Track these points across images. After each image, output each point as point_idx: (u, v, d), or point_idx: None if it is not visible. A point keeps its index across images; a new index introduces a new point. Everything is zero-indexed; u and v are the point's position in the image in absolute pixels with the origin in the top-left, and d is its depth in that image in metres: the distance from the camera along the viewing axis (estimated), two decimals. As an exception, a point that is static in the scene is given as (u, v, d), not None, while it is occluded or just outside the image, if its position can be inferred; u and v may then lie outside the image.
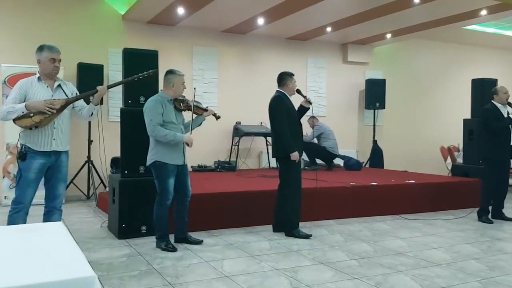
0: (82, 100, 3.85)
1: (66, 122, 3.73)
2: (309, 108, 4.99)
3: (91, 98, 3.81)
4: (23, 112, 3.48)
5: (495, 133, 5.63)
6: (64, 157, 3.74)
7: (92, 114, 3.85)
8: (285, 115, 4.79)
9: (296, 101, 5.03)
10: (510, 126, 5.64)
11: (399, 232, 5.11)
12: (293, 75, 4.99)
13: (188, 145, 4.22)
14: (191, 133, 4.28)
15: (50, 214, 3.69)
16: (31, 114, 3.50)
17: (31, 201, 3.61)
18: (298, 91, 4.99)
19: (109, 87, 3.96)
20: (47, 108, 3.51)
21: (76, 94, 3.83)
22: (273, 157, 5.10)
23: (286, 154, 4.74)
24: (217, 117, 4.63)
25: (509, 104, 5.70)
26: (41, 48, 3.68)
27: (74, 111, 3.82)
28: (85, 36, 7.41)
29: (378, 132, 9.75)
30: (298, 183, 4.85)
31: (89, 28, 7.45)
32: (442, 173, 9.10)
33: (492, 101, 5.76)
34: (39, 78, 3.66)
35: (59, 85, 3.73)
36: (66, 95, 3.72)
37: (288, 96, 4.93)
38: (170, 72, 4.34)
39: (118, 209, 4.69)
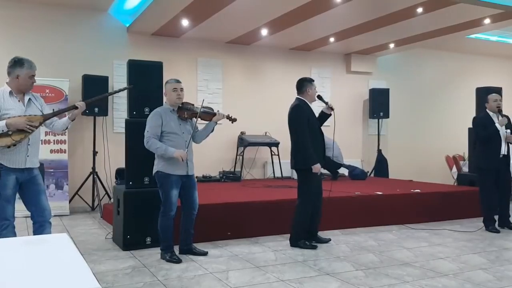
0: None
1: (38, 138, 3.69)
2: (330, 114, 4.86)
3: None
4: (2, 131, 3.36)
5: (483, 142, 5.62)
6: (37, 171, 3.66)
7: (66, 128, 3.80)
8: (305, 124, 4.64)
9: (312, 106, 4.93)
10: (501, 134, 5.58)
11: (405, 242, 5.08)
12: (313, 81, 4.87)
13: (182, 160, 4.12)
14: (189, 142, 4.24)
15: (42, 228, 3.61)
16: (10, 132, 3.38)
17: (14, 214, 3.57)
18: (320, 97, 4.86)
19: (88, 103, 3.84)
20: (28, 126, 3.42)
21: (42, 106, 3.72)
22: (292, 168, 4.98)
23: (306, 166, 4.64)
24: (233, 120, 4.50)
25: (499, 112, 5.67)
26: (21, 64, 3.51)
27: (44, 124, 3.68)
28: (90, 48, 7.47)
29: (382, 142, 9.73)
30: (313, 195, 4.75)
31: (94, 40, 7.52)
32: (447, 182, 9.07)
33: (486, 109, 5.76)
34: (10, 92, 3.51)
35: (30, 99, 3.63)
36: (39, 109, 3.66)
37: (308, 104, 4.81)
38: (165, 83, 4.39)
39: (122, 221, 4.69)
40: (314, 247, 4.72)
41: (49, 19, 7.23)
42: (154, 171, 4.29)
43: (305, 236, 4.81)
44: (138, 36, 7.82)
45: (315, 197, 4.79)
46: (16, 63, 3.53)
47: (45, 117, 3.61)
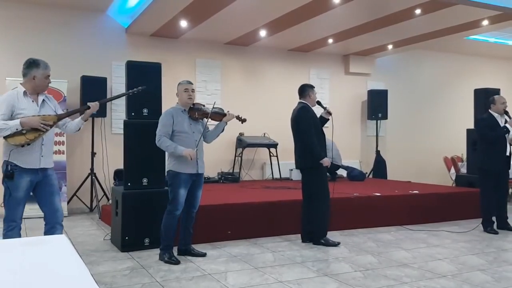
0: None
1: (52, 138, 3.69)
2: (329, 119, 5.05)
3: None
4: (17, 129, 3.36)
5: (490, 143, 5.62)
6: (51, 171, 3.65)
7: (79, 129, 3.81)
8: (311, 125, 4.84)
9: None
10: (506, 136, 5.60)
11: (404, 243, 5.08)
12: (314, 87, 5.11)
13: (190, 159, 4.16)
14: (199, 141, 4.28)
15: (53, 230, 3.60)
16: (24, 131, 3.38)
17: (21, 217, 3.56)
18: (319, 103, 5.07)
19: (101, 103, 3.85)
20: (42, 125, 3.42)
21: (56, 107, 3.73)
22: (297, 168, 5.05)
23: (315, 164, 4.77)
24: (242, 120, 4.57)
25: (506, 113, 5.67)
26: (37, 64, 3.53)
27: (57, 125, 3.68)
28: (89, 49, 7.47)
29: (381, 143, 9.74)
30: (327, 191, 4.87)
31: (92, 41, 7.51)
32: (446, 184, 9.07)
33: (490, 110, 5.76)
34: (24, 93, 3.51)
35: (43, 100, 3.63)
36: (52, 110, 3.67)
37: (311, 107, 4.99)
38: (177, 84, 4.45)
39: (121, 222, 4.68)
40: (336, 244, 4.85)
41: (48, 20, 7.22)
42: (166, 170, 4.35)
43: (325, 234, 4.90)
44: (136, 37, 7.82)
45: (328, 193, 4.88)
46: (32, 64, 3.54)
47: (59, 117, 3.62)
